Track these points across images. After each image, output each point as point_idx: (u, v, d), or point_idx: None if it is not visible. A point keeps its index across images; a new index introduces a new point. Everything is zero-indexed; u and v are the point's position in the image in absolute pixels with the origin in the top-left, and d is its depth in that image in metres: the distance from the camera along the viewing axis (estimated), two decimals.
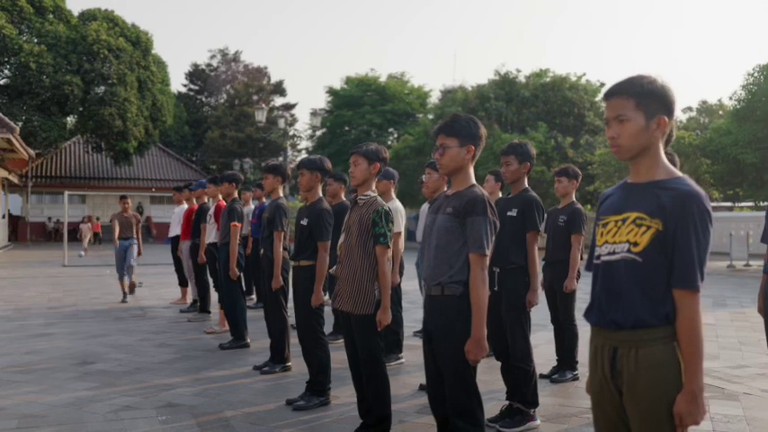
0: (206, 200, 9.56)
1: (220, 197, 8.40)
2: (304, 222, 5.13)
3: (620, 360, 2.24)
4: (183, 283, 11.26)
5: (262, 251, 6.35)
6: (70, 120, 38.90)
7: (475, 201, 3.26)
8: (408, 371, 6.41)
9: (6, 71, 33.08)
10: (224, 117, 45.83)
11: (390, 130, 45.94)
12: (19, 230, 37.69)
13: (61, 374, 6.19)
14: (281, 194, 6.32)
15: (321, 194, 5.28)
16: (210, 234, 8.47)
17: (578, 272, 5.99)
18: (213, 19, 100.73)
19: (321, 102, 58.30)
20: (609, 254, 2.30)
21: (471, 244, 3.23)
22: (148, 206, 41.68)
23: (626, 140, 2.26)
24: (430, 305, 3.36)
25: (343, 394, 5.49)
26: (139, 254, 11.66)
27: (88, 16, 37.45)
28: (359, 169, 4.25)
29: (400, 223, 6.49)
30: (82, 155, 42.71)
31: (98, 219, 37.59)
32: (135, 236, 11.43)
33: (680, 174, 2.28)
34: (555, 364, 6.22)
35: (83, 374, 6.20)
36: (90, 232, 26.02)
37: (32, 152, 28.35)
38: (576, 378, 6.04)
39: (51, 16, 35.75)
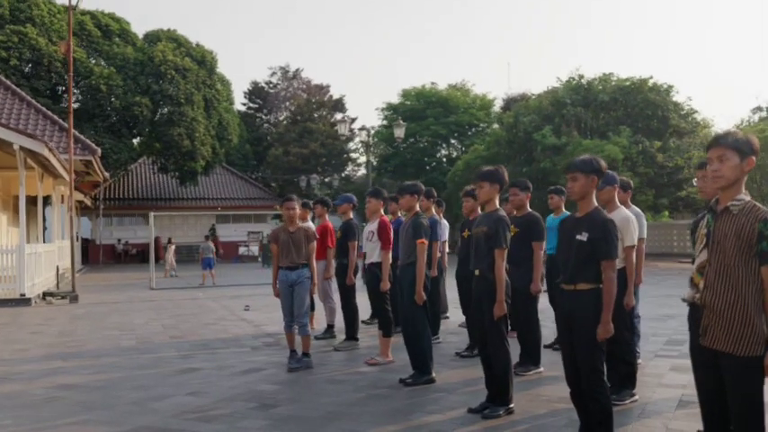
0: (351, 216, 8.68)
1: (382, 212, 7.50)
2: (583, 237, 4.11)
3: None
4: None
5: (478, 271, 5.36)
6: (136, 141, 38.86)
7: None
8: (659, 410, 5.35)
9: (79, 95, 33.01)
10: (286, 134, 45.30)
11: (453, 141, 44.80)
12: (90, 253, 37.63)
13: (249, 423, 5.29)
14: (498, 205, 5.36)
15: (596, 203, 4.26)
16: (374, 253, 7.52)
17: None
18: (272, 38, 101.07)
19: (377, 117, 57.59)
20: None
21: None
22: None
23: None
24: None
25: None
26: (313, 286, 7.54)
27: (153, 38, 37.42)
28: (727, 166, 3.21)
29: None
30: (148, 176, 42.69)
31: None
32: (308, 261, 7.29)
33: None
34: None
35: (275, 422, 5.28)
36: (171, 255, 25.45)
37: (107, 174, 28.12)
38: None
39: (118, 39, 35.77)
